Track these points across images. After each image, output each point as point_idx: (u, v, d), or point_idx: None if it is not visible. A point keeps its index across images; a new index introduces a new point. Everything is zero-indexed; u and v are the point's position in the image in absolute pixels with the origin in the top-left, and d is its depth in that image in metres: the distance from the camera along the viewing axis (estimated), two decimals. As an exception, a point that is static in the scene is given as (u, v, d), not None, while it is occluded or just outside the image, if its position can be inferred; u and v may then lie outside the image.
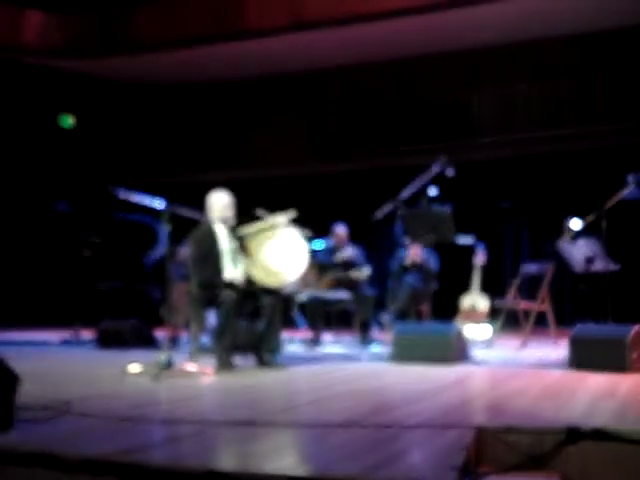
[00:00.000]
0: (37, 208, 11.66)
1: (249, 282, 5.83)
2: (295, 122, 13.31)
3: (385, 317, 8.41)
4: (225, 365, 5.48)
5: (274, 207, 6.28)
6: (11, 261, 11.78)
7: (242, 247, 5.89)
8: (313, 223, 6.08)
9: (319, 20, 10.86)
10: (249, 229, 5.93)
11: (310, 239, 6.21)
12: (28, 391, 3.72)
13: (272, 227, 5.95)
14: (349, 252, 8.52)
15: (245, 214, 6.16)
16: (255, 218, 6.03)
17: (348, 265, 8.57)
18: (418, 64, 12.38)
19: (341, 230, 8.76)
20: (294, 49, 11.83)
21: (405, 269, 8.80)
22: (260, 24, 11.15)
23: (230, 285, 5.74)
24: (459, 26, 10.97)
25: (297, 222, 5.98)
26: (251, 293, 5.81)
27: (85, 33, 11.95)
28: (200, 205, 6.18)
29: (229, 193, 5.98)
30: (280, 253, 5.87)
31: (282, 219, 5.91)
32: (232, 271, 5.76)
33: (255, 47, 11.68)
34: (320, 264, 8.63)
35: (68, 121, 12.66)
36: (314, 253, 8.13)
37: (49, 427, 3.08)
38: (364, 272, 8.32)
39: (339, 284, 8.56)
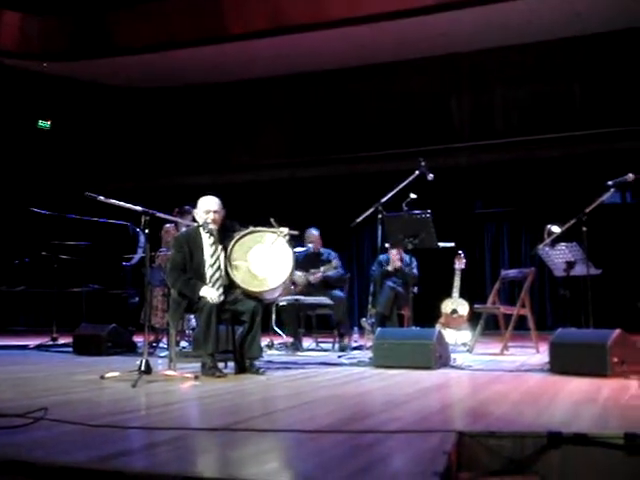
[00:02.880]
0: (13, 212, 11.55)
1: (230, 286, 5.78)
2: (275, 126, 13.32)
3: (366, 322, 8.41)
4: (210, 371, 5.44)
5: (253, 211, 6.26)
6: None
7: (227, 251, 5.83)
8: (294, 228, 6.05)
9: (298, 24, 10.86)
10: (237, 234, 5.88)
11: (294, 244, 6.19)
12: (3, 397, 3.67)
13: (259, 233, 5.91)
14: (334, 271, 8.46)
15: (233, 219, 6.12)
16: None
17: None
18: (398, 69, 12.42)
19: (315, 234, 8.74)
20: (274, 53, 11.82)
21: (386, 274, 8.81)
22: (239, 28, 11.13)
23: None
24: (438, 31, 11.04)
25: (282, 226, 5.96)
26: (231, 298, 5.77)
27: (63, 36, 11.87)
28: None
29: (215, 198, 5.89)
30: (265, 259, 5.84)
31: (277, 231, 5.87)
32: (208, 289, 5.65)
33: (234, 51, 11.66)
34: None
35: (45, 124, 12.58)
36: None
37: (25, 434, 3.03)
38: (332, 263, 8.32)
39: (312, 286, 8.54)
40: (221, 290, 5.73)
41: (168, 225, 8.45)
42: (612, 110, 11.14)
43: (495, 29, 10.91)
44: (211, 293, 5.56)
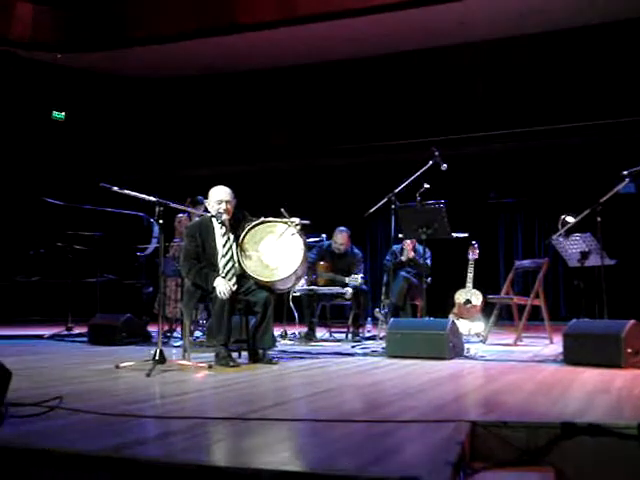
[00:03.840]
0: (28, 202, 11.62)
1: (243, 276, 5.79)
2: (288, 116, 13.28)
3: (380, 312, 8.40)
4: (224, 360, 5.46)
5: (266, 200, 6.25)
6: (1, 256, 11.75)
7: (239, 241, 5.82)
8: (307, 217, 6.04)
9: (310, 14, 10.81)
10: (249, 224, 5.88)
11: (306, 234, 6.18)
12: (19, 387, 3.69)
13: (271, 223, 5.91)
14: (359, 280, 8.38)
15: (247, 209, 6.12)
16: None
17: (345, 269, 8.57)
18: (410, 58, 12.35)
19: (345, 235, 8.70)
20: (285, 43, 11.78)
21: (400, 264, 8.79)
22: (249, 18, 11.08)
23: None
24: (455, 20, 10.96)
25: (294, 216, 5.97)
26: (244, 288, 5.78)
27: (76, 27, 11.88)
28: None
29: (227, 188, 5.88)
30: (276, 249, 5.84)
31: (288, 221, 5.87)
32: (221, 280, 5.63)
33: (246, 41, 11.62)
34: (313, 261, 8.63)
35: (60, 115, 12.61)
36: (309, 250, 8.11)
37: (40, 423, 3.05)
38: (358, 280, 8.26)
39: (333, 283, 8.56)
40: (234, 280, 5.73)
41: (180, 215, 8.48)
42: (630, 99, 11.04)
43: (510, 18, 10.83)
44: (223, 286, 5.55)
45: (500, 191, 12.78)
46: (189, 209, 7.54)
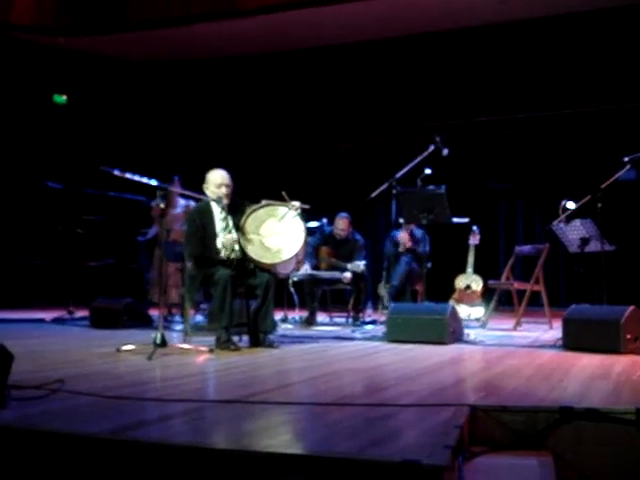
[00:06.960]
0: (29, 186, 11.61)
1: (244, 260, 5.81)
2: (291, 100, 13.23)
3: (383, 289, 8.41)
4: (225, 344, 5.48)
5: (268, 185, 6.25)
6: (3, 240, 11.76)
7: (240, 224, 5.84)
8: (308, 202, 6.05)
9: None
10: (250, 208, 5.89)
11: (307, 218, 6.19)
12: (21, 370, 3.71)
13: (272, 207, 5.93)
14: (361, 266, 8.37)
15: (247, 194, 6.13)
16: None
17: (346, 255, 8.57)
18: (413, 43, 12.29)
19: (346, 221, 8.69)
20: (289, 27, 11.71)
21: (399, 252, 8.79)
22: (253, 2, 11.01)
23: (224, 262, 5.71)
24: (459, 5, 10.91)
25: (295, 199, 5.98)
26: (245, 272, 5.79)
27: (78, 10, 11.80)
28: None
29: (226, 172, 5.90)
30: (277, 232, 5.86)
31: (289, 205, 5.88)
32: (222, 238, 5.70)
33: (251, 25, 11.55)
34: (316, 246, 8.64)
35: (61, 99, 12.58)
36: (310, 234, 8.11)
37: (42, 406, 3.07)
38: (360, 266, 8.25)
39: (335, 268, 8.56)
40: (235, 262, 5.77)
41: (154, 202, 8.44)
42: (632, 86, 10.99)
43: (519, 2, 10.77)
44: (227, 240, 5.67)
45: (501, 177, 12.75)
46: (188, 193, 7.52)
